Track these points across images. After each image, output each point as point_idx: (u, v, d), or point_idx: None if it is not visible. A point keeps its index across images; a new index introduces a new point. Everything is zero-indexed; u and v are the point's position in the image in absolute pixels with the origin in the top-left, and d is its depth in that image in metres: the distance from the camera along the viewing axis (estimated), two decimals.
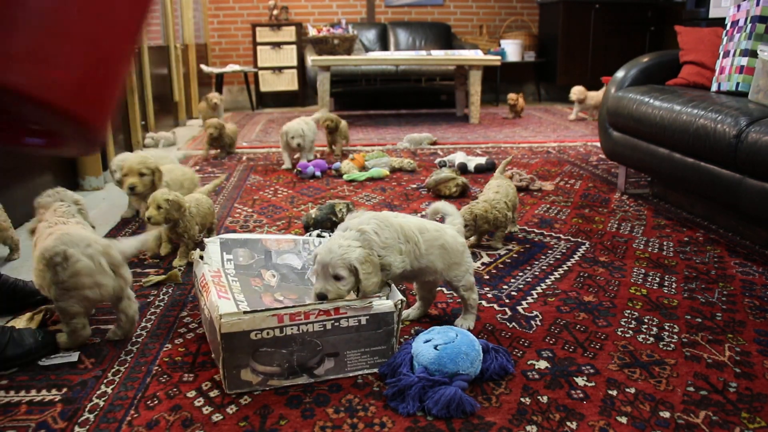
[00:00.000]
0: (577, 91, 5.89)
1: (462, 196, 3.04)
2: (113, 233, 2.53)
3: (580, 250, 2.30)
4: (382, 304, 1.44)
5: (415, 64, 6.12)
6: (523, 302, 1.85)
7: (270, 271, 1.67)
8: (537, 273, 2.08)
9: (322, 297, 1.43)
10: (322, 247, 1.46)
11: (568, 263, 2.16)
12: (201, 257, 1.71)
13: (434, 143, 4.54)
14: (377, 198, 3.05)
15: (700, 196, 2.55)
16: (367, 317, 1.43)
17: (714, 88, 2.82)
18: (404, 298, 1.49)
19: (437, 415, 1.28)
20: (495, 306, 1.82)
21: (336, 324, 1.40)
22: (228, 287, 1.52)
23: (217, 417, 1.31)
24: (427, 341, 1.41)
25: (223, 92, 6.85)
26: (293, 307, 1.37)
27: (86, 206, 1.88)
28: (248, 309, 1.38)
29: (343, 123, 4.14)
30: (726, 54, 2.75)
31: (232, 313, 1.33)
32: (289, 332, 1.37)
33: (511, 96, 5.98)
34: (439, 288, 1.92)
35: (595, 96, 5.81)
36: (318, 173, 3.47)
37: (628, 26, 6.89)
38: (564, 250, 2.29)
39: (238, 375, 1.37)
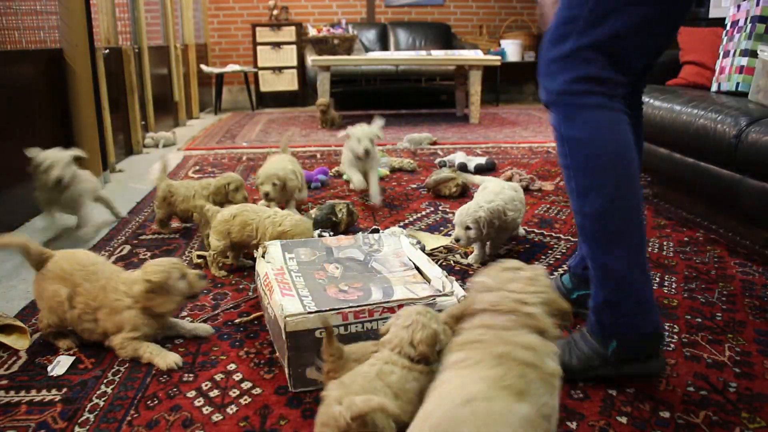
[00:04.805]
0: None
1: (462, 196, 3.04)
2: (113, 232, 2.54)
3: None
4: (446, 300, 1.45)
5: (415, 64, 6.12)
6: None
7: (333, 265, 1.70)
8: None
9: (457, 240, 2.07)
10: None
11: (569, 263, 2.16)
12: (263, 255, 1.74)
13: (434, 143, 4.54)
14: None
15: (700, 196, 2.55)
16: None
17: (714, 88, 2.82)
18: (466, 294, 1.49)
19: None
20: None
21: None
22: (292, 284, 1.55)
23: (217, 417, 1.31)
24: None
25: (223, 92, 6.86)
26: (358, 306, 1.39)
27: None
28: (312, 303, 1.41)
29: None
30: (726, 54, 2.75)
31: (296, 313, 1.35)
32: (353, 330, 1.38)
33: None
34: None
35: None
36: (322, 177, 3.34)
37: None
38: (564, 250, 2.29)
39: (303, 373, 1.38)
